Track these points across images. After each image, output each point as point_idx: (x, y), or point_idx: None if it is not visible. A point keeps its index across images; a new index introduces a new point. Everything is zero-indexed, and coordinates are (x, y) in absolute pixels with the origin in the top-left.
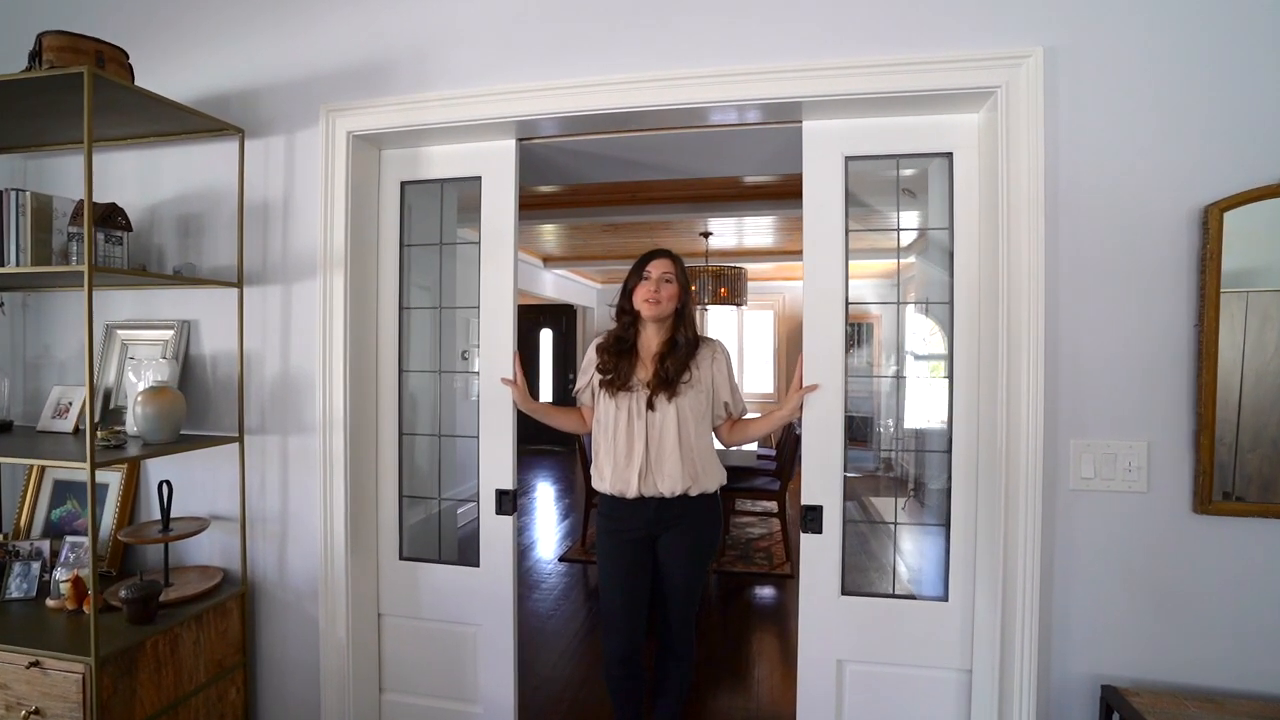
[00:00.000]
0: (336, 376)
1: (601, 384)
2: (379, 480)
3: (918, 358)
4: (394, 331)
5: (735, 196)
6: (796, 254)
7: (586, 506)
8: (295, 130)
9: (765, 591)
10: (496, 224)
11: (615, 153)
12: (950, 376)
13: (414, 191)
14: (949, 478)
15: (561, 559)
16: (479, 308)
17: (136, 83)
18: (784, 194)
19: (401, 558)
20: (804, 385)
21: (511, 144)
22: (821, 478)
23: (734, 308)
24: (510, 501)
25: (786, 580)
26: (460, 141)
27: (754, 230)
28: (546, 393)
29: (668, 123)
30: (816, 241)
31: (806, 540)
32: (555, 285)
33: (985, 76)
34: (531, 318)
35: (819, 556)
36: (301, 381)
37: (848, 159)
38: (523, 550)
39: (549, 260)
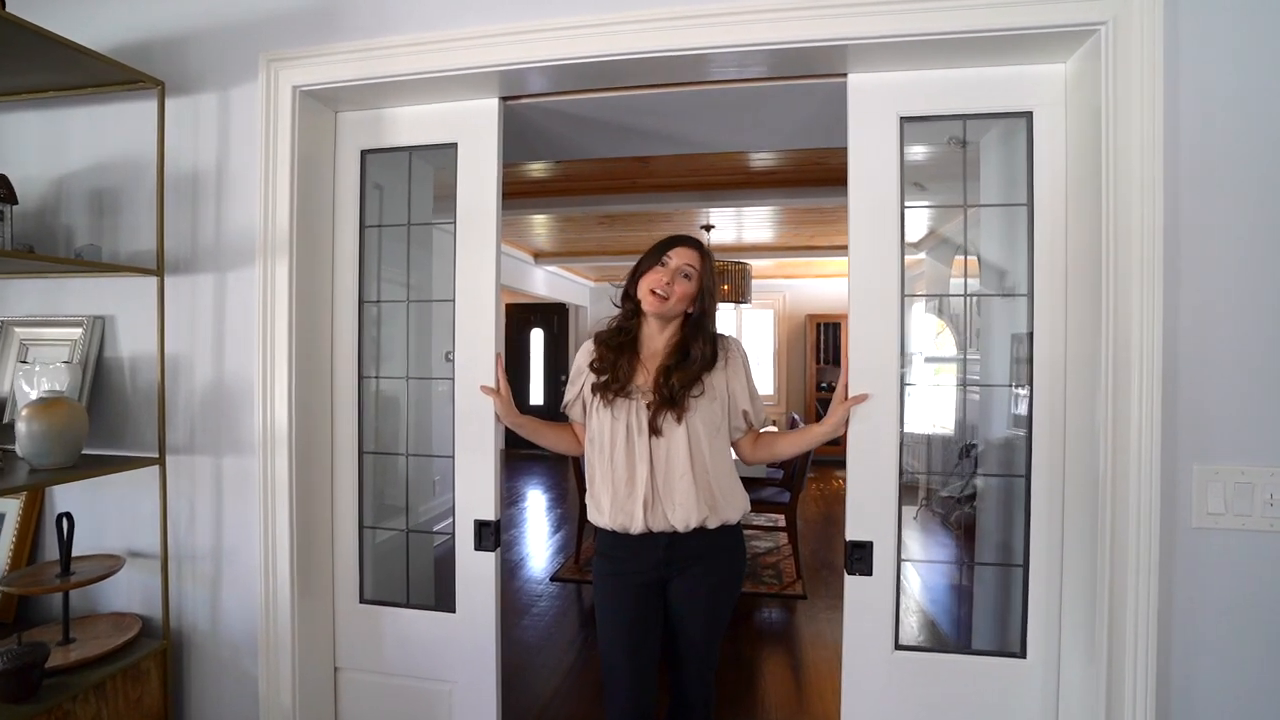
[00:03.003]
0: (279, 384)
1: (595, 389)
2: (335, 508)
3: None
4: (352, 330)
5: (741, 184)
6: (799, 250)
7: (580, 519)
8: (230, 85)
9: (776, 615)
10: (475, 200)
11: (614, 117)
12: (1030, 381)
13: (379, 163)
14: (1027, 505)
15: (553, 578)
16: (454, 301)
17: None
18: (794, 181)
19: (362, 601)
20: (851, 395)
21: (494, 103)
22: (871, 507)
23: (734, 307)
24: (492, 535)
25: (798, 602)
26: (432, 100)
27: (754, 224)
28: (538, 397)
29: (678, 75)
30: (865, 221)
31: (853, 585)
32: (547, 283)
33: (1085, 10)
34: (522, 317)
35: (868, 604)
36: (239, 390)
37: (904, 120)
38: (511, 568)
39: (540, 256)
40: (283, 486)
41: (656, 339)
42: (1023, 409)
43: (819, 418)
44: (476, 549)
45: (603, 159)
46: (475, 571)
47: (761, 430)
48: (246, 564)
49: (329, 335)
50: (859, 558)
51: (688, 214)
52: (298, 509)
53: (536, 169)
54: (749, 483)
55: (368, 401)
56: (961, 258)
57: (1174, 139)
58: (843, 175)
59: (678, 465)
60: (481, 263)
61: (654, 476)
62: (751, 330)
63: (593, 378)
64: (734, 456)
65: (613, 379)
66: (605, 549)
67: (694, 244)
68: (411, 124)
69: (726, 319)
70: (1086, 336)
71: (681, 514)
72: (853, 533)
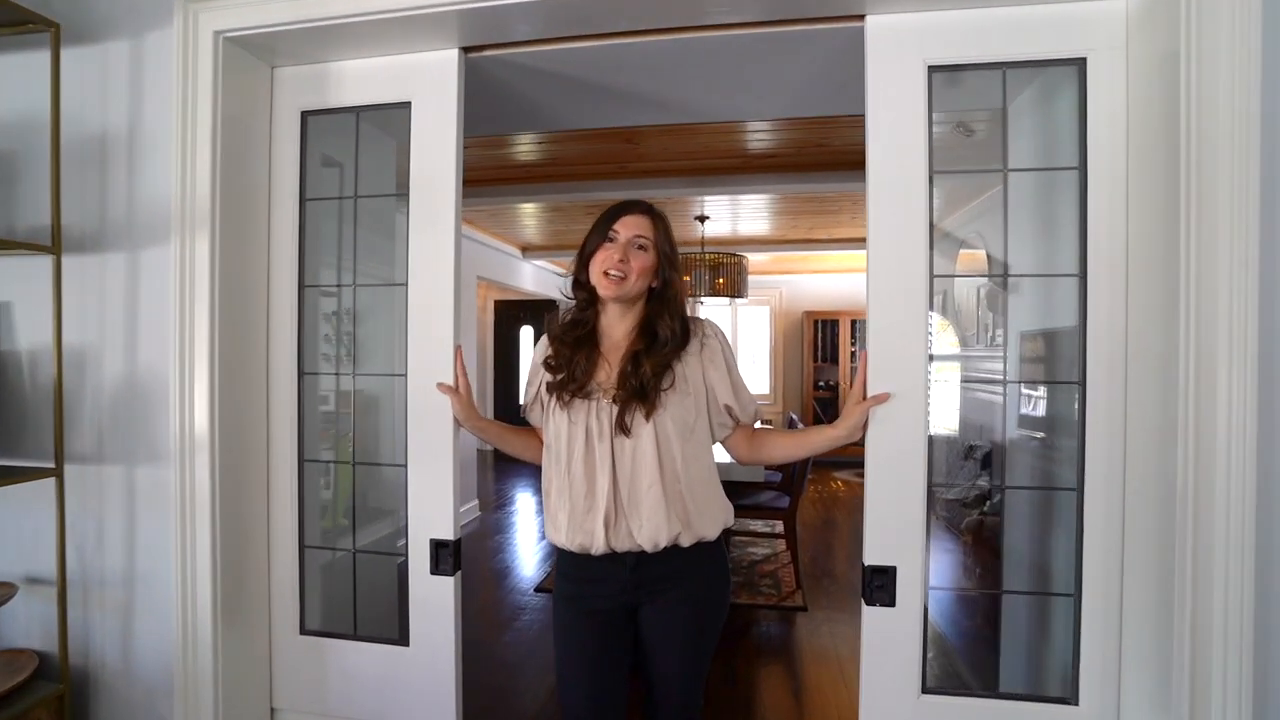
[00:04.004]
0: (200, 380)
1: (550, 389)
2: (271, 525)
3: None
4: (291, 319)
5: (737, 169)
6: (797, 243)
7: None
8: (144, 31)
9: (775, 629)
10: (432, 168)
11: (595, 76)
12: (1082, 378)
13: (329, 130)
14: (1079, 523)
15: (538, 589)
16: (406, 285)
17: None
18: (794, 165)
19: (303, 632)
20: (870, 395)
21: (453, 55)
22: (895, 526)
23: (730, 302)
24: (451, 557)
25: (798, 614)
26: (382, 51)
27: (750, 214)
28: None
29: (669, 16)
30: (886, 194)
31: (873, 617)
32: (535, 278)
33: None
34: (511, 314)
35: (891, 638)
36: (155, 388)
37: (932, 70)
38: (498, 575)
39: (528, 250)
40: (204, 499)
41: (618, 328)
42: (1039, 410)
43: (817, 418)
44: (433, 573)
45: (587, 135)
46: (431, 598)
47: (757, 427)
48: (164, 590)
49: (263, 324)
50: (880, 585)
51: (680, 202)
52: (223, 525)
53: (524, 149)
54: (744, 487)
55: (312, 402)
56: (967, 251)
57: (1275, 86)
58: (845, 157)
59: (644, 474)
60: (438, 241)
61: (616, 488)
62: (747, 327)
63: (549, 376)
64: (723, 458)
65: (569, 378)
66: (565, 569)
67: (641, 208)
68: (359, 80)
69: (720, 315)
70: (1154, 323)
71: (649, 531)
72: (873, 556)
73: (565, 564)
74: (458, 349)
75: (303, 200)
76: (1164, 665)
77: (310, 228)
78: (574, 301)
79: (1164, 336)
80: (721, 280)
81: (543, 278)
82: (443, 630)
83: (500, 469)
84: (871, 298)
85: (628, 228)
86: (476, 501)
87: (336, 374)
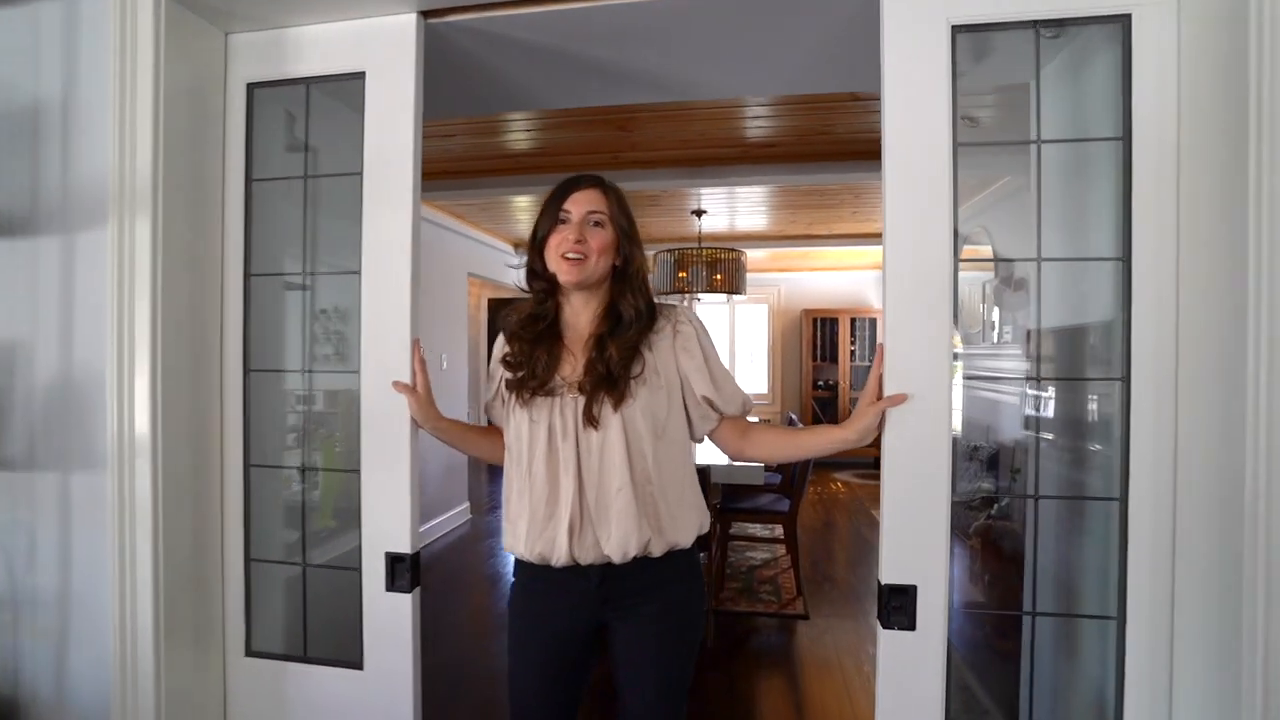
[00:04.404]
0: (141, 378)
1: (510, 386)
2: (224, 537)
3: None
4: (237, 310)
5: (737, 158)
6: (796, 239)
7: None
8: None
9: (775, 639)
10: (387, 143)
11: (577, 47)
12: (1126, 374)
13: (282, 100)
14: (1123, 539)
15: None
16: (360, 273)
17: None
18: (795, 155)
19: (249, 653)
20: (885, 395)
21: (411, 20)
22: (914, 540)
23: (727, 299)
24: (408, 572)
25: (799, 622)
26: (336, 14)
27: (749, 208)
28: None
29: None
30: (904, 172)
31: (891, 642)
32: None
33: None
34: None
35: (911, 666)
36: (93, 387)
37: (955, 30)
38: (490, 580)
39: (520, 246)
40: (144, 509)
41: (583, 316)
42: (1047, 411)
43: (816, 419)
44: (389, 589)
45: (577, 121)
46: (387, 618)
47: (753, 421)
48: (102, 611)
49: (218, 319)
50: (898, 606)
51: (677, 196)
52: (167, 539)
53: (513, 137)
54: (743, 489)
55: (276, 403)
56: (970, 247)
57: None
58: (849, 146)
59: (612, 476)
60: (395, 223)
61: (582, 493)
62: (745, 326)
63: (509, 374)
64: (722, 458)
65: (530, 374)
66: (524, 581)
67: (591, 181)
68: (310, 49)
69: (718, 314)
70: (1212, 308)
71: (618, 540)
72: (890, 573)
73: (524, 576)
74: (415, 342)
75: (249, 180)
76: (1228, 700)
77: (268, 211)
78: (532, 294)
79: (1226, 323)
80: (719, 276)
81: None
82: (399, 652)
83: (495, 470)
84: (889, 287)
85: (579, 205)
86: (468, 504)
87: (302, 372)
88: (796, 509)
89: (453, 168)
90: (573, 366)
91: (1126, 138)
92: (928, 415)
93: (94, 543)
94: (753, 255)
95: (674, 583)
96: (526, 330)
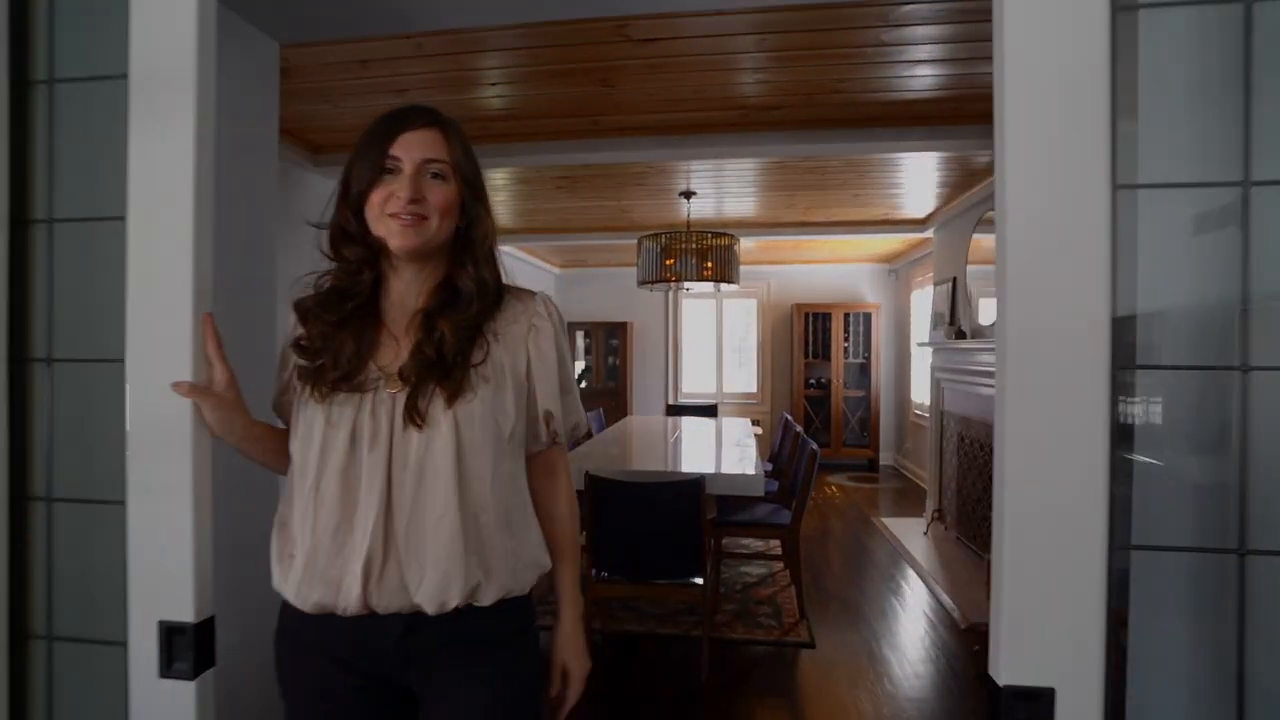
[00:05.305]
0: None
1: (304, 376)
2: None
3: None
4: (1, 271)
5: (734, 124)
6: (790, 227)
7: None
8: None
9: (779, 673)
10: (161, 42)
11: None
12: None
13: None
14: None
15: None
16: (125, 219)
17: None
18: (797, 122)
19: None
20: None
21: None
22: (1043, 625)
23: (715, 290)
24: (191, 649)
25: (804, 652)
26: None
27: (740, 192)
28: None
29: None
30: (1031, 104)
31: None
32: (508, 270)
33: None
34: None
35: None
36: None
37: None
38: None
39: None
40: None
41: (413, 291)
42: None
43: (808, 418)
44: (163, 674)
45: (553, 74)
46: (161, 716)
47: (567, 452)
48: None
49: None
50: (1024, 718)
51: (665, 174)
52: None
53: (487, 97)
54: (741, 501)
55: (41, 404)
56: (979, 236)
57: None
58: (862, 110)
59: (434, 497)
60: (172, 152)
61: (389, 518)
62: (733, 321)
63: (302, 360)
64: (724, 469)
65: (332, 364)
66: (292, 632)
67: (427, 118)
68: None
69: (706, 308)
70: None
71: (434, 583)
72: (1011, 670)
73: (294, 626)
74: (207, 317)
75: (12, 84)
76: None
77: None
78: (339, 264)
79: None
80: (710, 264)
81: (517, 269)
82: None
83: None
84: (1009, 271)
85: (413, 149)
86: None
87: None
88: (799, 521)
89: None
90: (394, 354)
91: None
92: (1077, 442)
93: None
94: (743, 246)
95: (504, 644)
96: (330, 310)
